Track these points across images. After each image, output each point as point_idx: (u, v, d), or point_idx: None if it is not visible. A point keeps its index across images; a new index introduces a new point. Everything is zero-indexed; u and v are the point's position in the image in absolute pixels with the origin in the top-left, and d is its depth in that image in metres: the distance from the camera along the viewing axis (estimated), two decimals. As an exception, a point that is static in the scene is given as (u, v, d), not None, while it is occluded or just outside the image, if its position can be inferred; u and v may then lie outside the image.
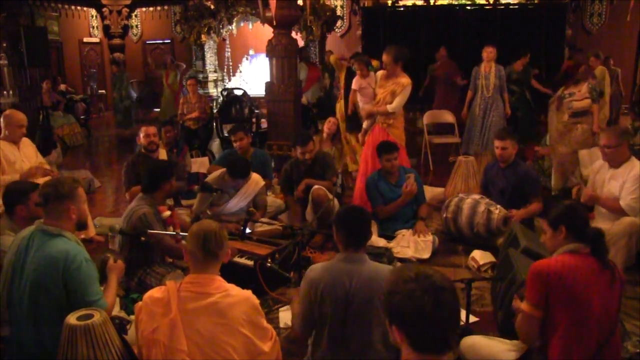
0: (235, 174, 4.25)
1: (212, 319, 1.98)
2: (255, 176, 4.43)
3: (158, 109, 11.66)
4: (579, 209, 2.32)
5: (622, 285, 2.20)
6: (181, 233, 3.47)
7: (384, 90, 4.84)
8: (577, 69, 8.19)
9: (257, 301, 2.12)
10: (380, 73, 5.02)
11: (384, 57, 4.77)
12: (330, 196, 4.46)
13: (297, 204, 4.74)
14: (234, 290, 2.07)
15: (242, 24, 11.37)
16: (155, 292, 2.08)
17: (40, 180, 4.00)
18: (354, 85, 5.16)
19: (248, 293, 2.10)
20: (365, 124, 5.13)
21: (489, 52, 6.46)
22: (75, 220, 2.44)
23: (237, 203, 4.34)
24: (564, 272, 2.09)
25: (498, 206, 4.18)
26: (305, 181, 4.64)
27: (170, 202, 3.68)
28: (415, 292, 1.30)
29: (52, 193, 2.36)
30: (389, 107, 4.76)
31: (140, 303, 2.09)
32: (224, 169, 4.39)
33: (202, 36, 10.94)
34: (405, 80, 4.75)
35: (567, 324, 2.10)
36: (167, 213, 3.54)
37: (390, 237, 4.29)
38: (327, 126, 5.75)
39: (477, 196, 4.39)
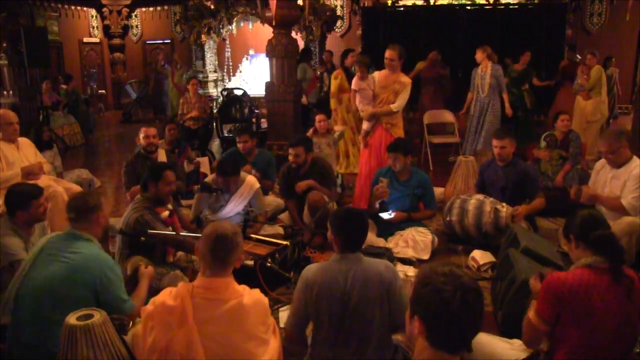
0: (221, 172, 4.22)
1: (228, 326, 1.95)
2: (249, 179, 4.37)
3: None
4: (596, 219, 2.17)
5: None
6: (182, 233, 3.47)
7: (386, 91, 4.84)
8: (573, 68, 8.20)
9: (266, 300, 2.11)
10: (378, 74, 5.00)
11: (389, 53, 4.75)
12: (327, 199, 4.46)
13: (296, 209, 4.70)
14: (247, 293, 2.04)
15: (242, 24, 11.37)
16: (167, 299, 1.99)
17: (40, 180, 4.02)
18: (353, 86, 5.18)
19: (259, 295, 2.08)
20: (365, 126, 5.07)
21: (477, 53, 6.53)
22: (103, 225, 2.69)
23: (233, 208, 4.29)
24: (580, 291, 1.98)
25: (503, 204, 4.18)
26: (308, 182, 4.55)
27: (170, 205, 3.67)
28: (446, 285, 1.33)
29: (82, 206, 2.58)
30: (393, 107, 4.81)
31: (149, 308, 2.02)
32: None
33: (202, 36, 10.94)
34: (406, 79, 4.86)
35: (575, 343, 2.01)
36: (166, 213, 3.53)
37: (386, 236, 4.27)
38: (318, 125, 5.89)
39: (480, 196, 4.37)
